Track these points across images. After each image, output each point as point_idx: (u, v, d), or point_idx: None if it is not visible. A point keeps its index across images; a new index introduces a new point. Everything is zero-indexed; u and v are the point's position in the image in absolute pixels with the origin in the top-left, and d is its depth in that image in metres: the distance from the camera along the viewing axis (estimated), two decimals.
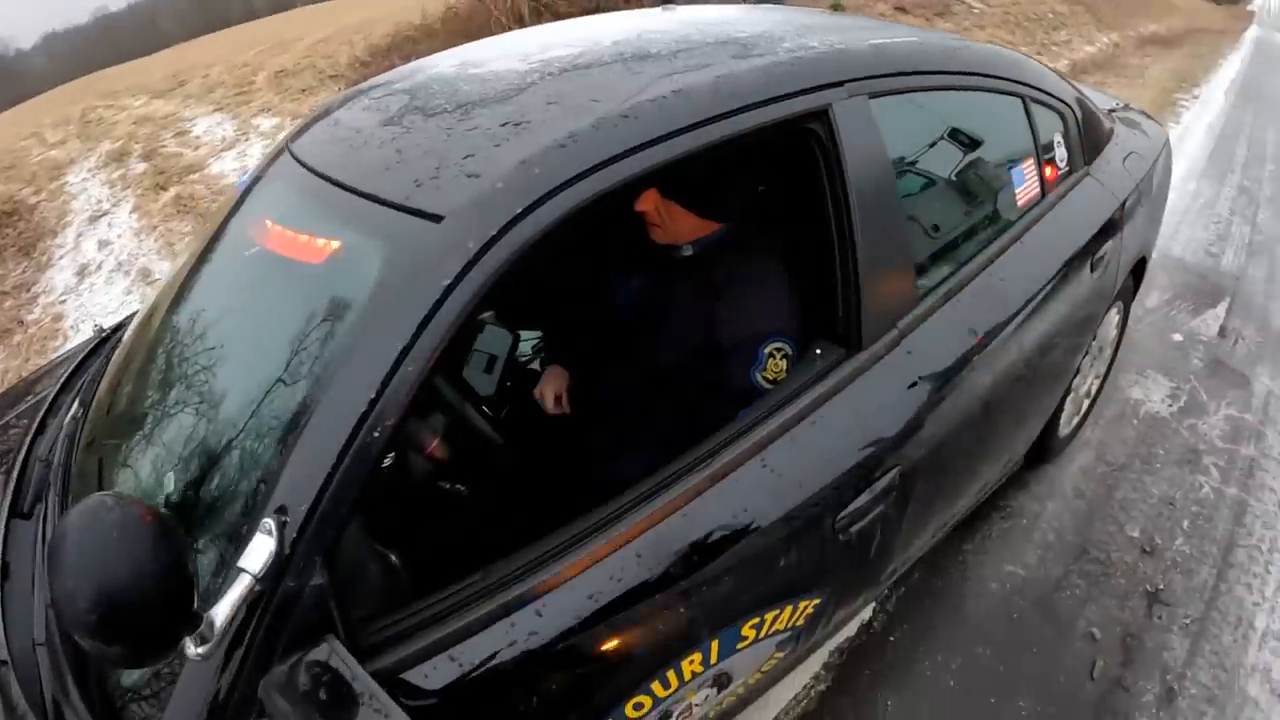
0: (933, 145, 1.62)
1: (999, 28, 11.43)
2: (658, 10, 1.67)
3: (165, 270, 4.49)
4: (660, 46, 1.26)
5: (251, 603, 0.80)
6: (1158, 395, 2.95)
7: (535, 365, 1.73)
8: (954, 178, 1.62)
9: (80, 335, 4.04)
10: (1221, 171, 6.16)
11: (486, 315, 1.63)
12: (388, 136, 1.12)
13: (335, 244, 1.03)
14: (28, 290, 4.93)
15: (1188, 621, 2.02)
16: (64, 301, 4.66)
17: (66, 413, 1.37)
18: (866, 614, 1.94)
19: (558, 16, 7.44)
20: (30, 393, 1.61)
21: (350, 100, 1.33)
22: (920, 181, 1.59)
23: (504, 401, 1.57)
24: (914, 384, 1.31)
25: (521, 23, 7.59)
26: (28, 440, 1.34)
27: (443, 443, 1.22)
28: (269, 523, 0.81)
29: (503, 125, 1.04)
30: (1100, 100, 2.47)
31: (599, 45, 1.29)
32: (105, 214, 5.81)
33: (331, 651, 0.83)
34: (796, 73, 1.22)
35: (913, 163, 1.61)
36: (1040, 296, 1.62)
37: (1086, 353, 2.12)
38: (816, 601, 1.29)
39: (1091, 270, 1.84)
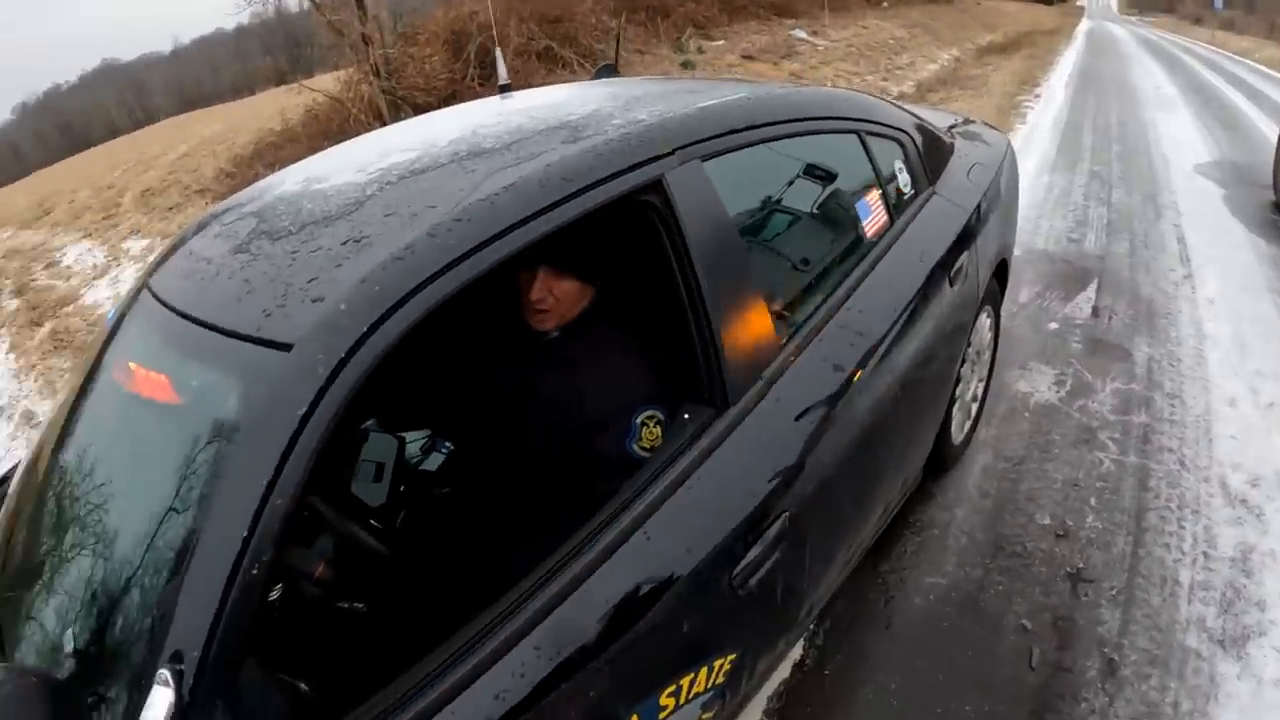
0: (790, 184, 1.69)
1: (843, 60, 12.04)
2: (496, 99, 1.70)
3: (47, 411, 4.27)
4: (494, 140, 1.28)
5: None
6: (1044, 384, 3.08)
7: (427, 465, 1.71)
8: (804, 221, 1.69)
9: None
10: (1071, 161, 6.58)
11: (369, 423, 1.61)
12: (237, 265, 1.11)
13: (195, 382, 1.03)
14: None
15: (1114, 592, 2.07)
16: None
17: None
18: (797, 653, 1.94)
19: (417, 109, 7.51)
20: None
21: (203, 228, 1.32)
22: (772, 230, 1.66)
23: (399, 507, 1.54)
24: (788, 430, 1.35)
25: (381, 118, 7.65)
26: None
27: (328, 566, 1.19)
28: (164, 674, 0.80)
29: (343, 243, 1.05)
30: (939, 120, 2.61)
31: (435, 146, 1.30)
32: None
33: None
34: (626, 149, 1.25)
35: (766, 212, 1.67)
36: (903, 319, 1.68)
37: (964, 361, 2.20)
38: (732, 657, 1.29)
39: (951, 284, 1.93)
